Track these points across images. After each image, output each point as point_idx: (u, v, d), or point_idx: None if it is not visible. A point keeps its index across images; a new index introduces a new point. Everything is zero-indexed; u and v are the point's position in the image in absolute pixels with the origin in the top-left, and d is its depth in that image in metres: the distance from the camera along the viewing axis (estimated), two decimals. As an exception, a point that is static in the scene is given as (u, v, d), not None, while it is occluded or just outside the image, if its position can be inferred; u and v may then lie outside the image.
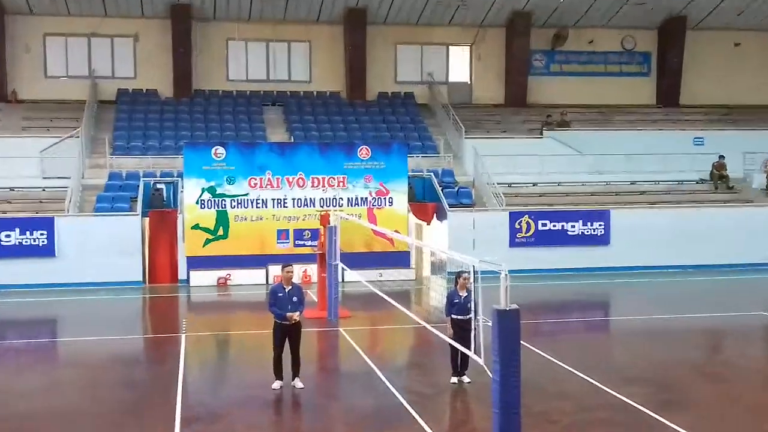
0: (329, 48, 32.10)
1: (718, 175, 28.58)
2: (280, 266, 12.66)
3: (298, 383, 12.34)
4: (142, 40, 30.78)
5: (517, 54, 32.49)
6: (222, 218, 24.13)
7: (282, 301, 12.21)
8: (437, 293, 19.94)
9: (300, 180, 24.57)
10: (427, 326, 12.81)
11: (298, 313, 12.22)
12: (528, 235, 25.45)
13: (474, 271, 10.12)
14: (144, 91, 31.17)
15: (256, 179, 24.31)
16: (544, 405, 11.48)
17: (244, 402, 11.84)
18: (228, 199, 24.15)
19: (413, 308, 17.53)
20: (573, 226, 25.74)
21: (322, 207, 23.81)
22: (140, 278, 23.70)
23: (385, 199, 25.05)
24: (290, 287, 12.33)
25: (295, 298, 12.28)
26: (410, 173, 26.31)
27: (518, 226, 25.41)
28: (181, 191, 24.53)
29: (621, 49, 34.04)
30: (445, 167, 28.34)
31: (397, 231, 22.27)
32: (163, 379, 13.33)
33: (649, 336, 16.55)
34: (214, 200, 24.07)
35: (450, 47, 33.25)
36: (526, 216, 25.49)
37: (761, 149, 29.72)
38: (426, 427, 10.60)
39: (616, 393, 12.00)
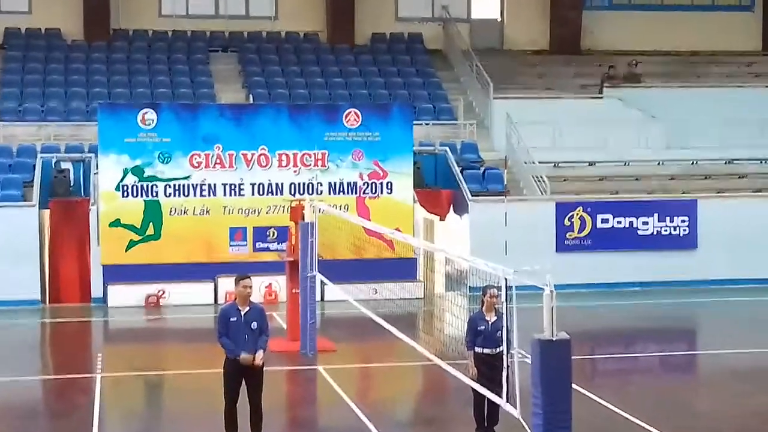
0: (303, -29, 32.05)
1: None
2: (234, 279, 12.65)
3: (259, 444, 12.37)
4: (39, -39, 30.76)
5: (567, -20, 32.51)
6: (152, 211, 24.08)
7: (236, 328, 12.18)
8: (455, 317, 19.93)
9: (262, 157, 24.55)
10: (441, 364, 12.81)
11: (261, 353, 12.20)
12: (582, 235, 25.44)
13: (506, 287, 10.11)
14: (42, 32, 31.09)
15: (200, 156, 24.28)
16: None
17: (184, 470, 11.85)
18: (161, 185, 24.11)
19: (421, 338, 17.50)
20: (645, 223, 25.73)
21: (293, 195, 23.79)
22: (38, 296, 23.67)
23: (381, 184, 25.05)
24: (247, 309, 12.31)
25: (254, 325, 12.25)
26: (417, 148, 26.28)
27: (568, 223, 25.41)
28: (95, 173, 24.47)
29: (714, -28, 34.06)
30: (466, 139, 28.33)
31: (398, 229, 22.26)
32: (69, 437, 13.30)
33: (753, 378, 16.53)
34: (142, 186, 24.04)
35: (473, -30, 33.23)
36: (580, 208, 25.49)
37: None
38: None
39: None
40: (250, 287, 12.41)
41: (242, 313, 12.26)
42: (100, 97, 28.21)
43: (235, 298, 12.49)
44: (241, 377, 12.23)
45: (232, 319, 12.24)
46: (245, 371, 12.19)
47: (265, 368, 12.42)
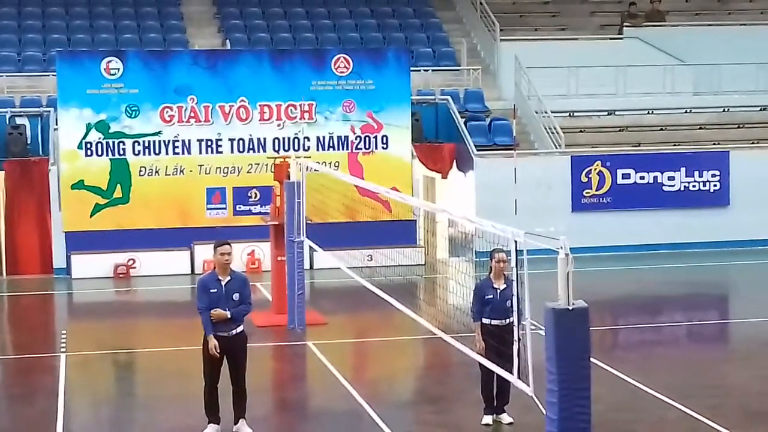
0: None
1: None
2: (212, 246, 12.68)
3: (244, 428, 12.45)
4: None
5: None
6: (120, 171, 24.09)
7: (216, 300, 12.22)
8: (460, 285, 20.00)
9: (242, 109, 24.53)
10: (445, 337, 12.86)
11: (228, 313, 12.22)
12: (601, 192, 25.47)
13: (516, 250, 10.14)
14: (-9, -29, 30.95)
15: (172, 109, 24.26)
16: (627, 457, 11.60)
17: (160, 458, 11.93)
18: (129, 142, 24.11)
19: (422, 309, 17.57)
20: (671, 178, 25.76)
21: (276, 152, 23.81)
22: (-7, 267, 23.79)
23: (375, 138, 25.05)
24: (228, 279, 12.35)
25: (236, 296, 12.28)
26: (415, 97, 26.27)
27: (585, 179, 25.44)
28: (55, 129, 24.46)
29: None
30: (470, 87, 28.30)
31: (395, 188, 22.29)
32: (33, 424, 13.31)
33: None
34: (107, 143, 24.04)
35: None
36: (598, 163, 25.51)
37: None
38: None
39: (739, 437, 12.14)
40: (230, 255, 12.44)
41: (222, 284, 12.30)
42: (58, 44, 28.09)
43: (214, 267, 12.53)
44: (222, 355, 12.28)
45: (211, 291, 12.28)
46: (227, 347, 12.24)
47: (249, 344, 12.49)
